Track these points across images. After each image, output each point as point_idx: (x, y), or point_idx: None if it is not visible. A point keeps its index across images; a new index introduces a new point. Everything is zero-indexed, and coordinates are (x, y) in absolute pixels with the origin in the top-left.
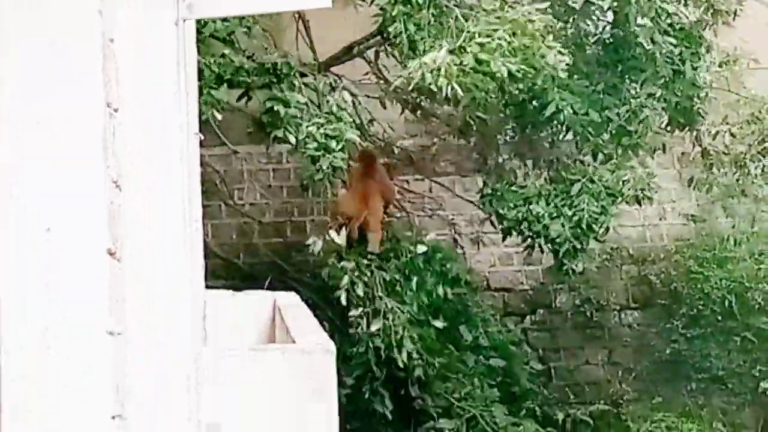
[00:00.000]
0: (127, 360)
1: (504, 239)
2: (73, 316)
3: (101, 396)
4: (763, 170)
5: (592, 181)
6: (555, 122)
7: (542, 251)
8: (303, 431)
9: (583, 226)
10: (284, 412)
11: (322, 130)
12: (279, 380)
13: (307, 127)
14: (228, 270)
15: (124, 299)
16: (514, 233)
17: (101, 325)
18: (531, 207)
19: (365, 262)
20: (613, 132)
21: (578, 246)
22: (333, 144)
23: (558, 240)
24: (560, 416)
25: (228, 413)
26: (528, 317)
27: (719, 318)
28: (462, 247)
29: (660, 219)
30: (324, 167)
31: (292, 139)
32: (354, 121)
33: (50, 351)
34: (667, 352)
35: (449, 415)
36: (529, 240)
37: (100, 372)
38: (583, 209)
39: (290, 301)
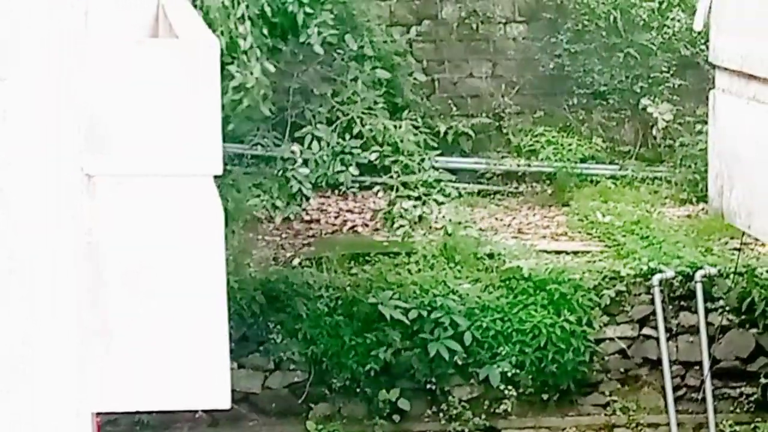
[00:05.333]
0: None
1: None
2: None
3: None
4: None
5: None
6: None
7: None
8: (183, 122)
9: None
10: (166, 107)
11: None
12: (161, 76)
13: None
14: None
15: None
16: None
17: None
18: None
19: None
20: None
21: None
22: None
23: None
24: (442, 128)
25: (109, 107)
26: (414, 28)
27: (603, 33)
28: None
29: None
30: None
31: None
32: None
33: None
34: (551, 66)
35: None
36: None
37: None
38: None
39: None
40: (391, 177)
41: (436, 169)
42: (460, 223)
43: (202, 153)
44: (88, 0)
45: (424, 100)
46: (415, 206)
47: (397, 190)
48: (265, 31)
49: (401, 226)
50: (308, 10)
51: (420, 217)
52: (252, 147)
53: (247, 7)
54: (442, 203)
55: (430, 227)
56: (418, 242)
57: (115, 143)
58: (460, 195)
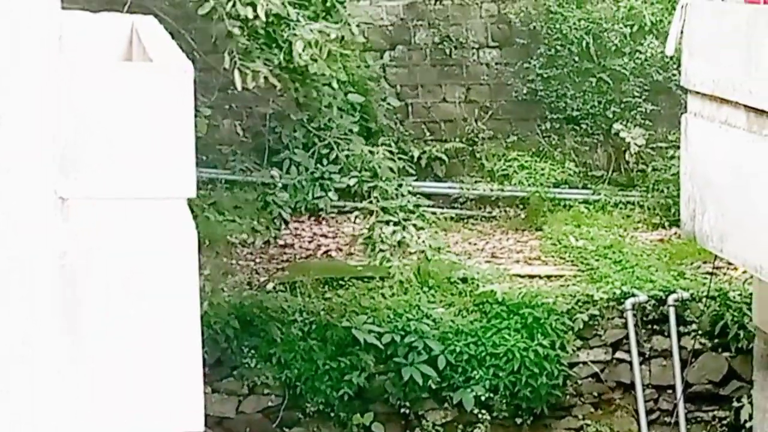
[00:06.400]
0: None
1: None
2: None
3: None
4: None
5: None
6: None
7: None
8: (156, 146)
9: None
10: (140, 130)
11: None
12: (135, 99)
13: None
14: None
15: None
16: None
17: None
18: None
19: None
20: None
21: None
22: None
23: None
24: (416, 153)
25: (82, 130)
26: (387, 53)
27: (576, 59)
28: None
29: None
30: None
31: None
32: None
33: None
34: (524, 91)
35: (305, 147)
36: None
37: None
38: None
39: (148, 24)
40: (371, 202)
41: (414, 194)
42: (440, 248)
43: (176, 176)
44: (62, 24)
45: (398, 125)
46: (394, 232)
47: (377, 215)
48: None
49: (381, 251)
50: None
51: (399, 243)
52: (232, 172)
53: None
54: (421, 228)
55: (409, 252)
56: (393, 267)
57: (89, 166)
58: (438, 219)
